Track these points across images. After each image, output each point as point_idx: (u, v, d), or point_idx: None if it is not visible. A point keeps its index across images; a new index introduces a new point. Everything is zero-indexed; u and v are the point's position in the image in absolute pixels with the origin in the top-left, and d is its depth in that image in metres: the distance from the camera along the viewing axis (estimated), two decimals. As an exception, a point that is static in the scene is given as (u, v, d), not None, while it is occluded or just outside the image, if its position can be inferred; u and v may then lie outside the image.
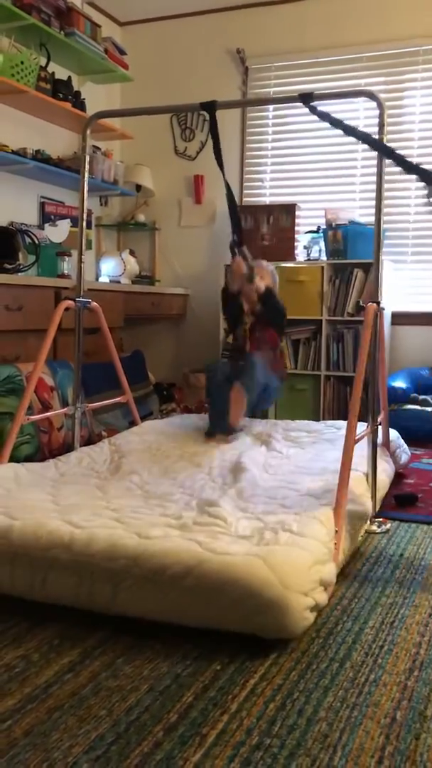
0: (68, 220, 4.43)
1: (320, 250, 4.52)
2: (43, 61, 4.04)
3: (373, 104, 2.44)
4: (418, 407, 3.93)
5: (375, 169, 2.45)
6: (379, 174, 2.42)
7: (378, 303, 2.44)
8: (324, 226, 4.47)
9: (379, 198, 2.44)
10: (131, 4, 4.85)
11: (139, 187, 5.01)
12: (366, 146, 4.33)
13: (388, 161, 2.43)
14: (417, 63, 4.47)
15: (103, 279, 4.70)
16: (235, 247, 3.18)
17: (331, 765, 1.19)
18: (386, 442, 2.96)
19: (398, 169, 2.29)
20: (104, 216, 5.12)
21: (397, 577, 2.03)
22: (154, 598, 1.67)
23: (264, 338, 3.33)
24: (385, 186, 2.46)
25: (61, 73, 4.34)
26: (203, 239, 5.04)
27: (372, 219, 2.52)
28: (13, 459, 2.63)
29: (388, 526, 2.46)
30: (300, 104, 2.50)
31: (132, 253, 4.87)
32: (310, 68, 4.69)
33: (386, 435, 2.96)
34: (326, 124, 2.45)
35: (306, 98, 2.48)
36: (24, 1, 3.80)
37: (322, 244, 4.50)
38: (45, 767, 1.18)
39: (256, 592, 1.58)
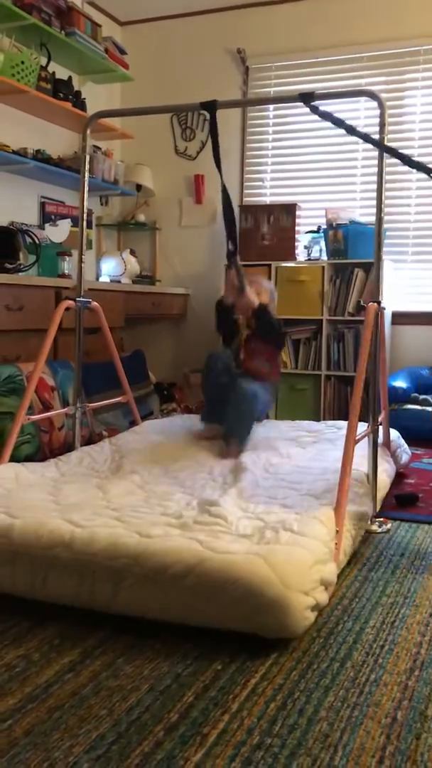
0: (69, 220, 4.43)
1: (321, 250, 4.52)
2: (43, 61, 4.04)
3: (374, 104, 2.44)
4: (418, 407, 3.93)
5: (375, 169, 2.45)
6: (380, 173, 2.42)
7: (379, 302, 2.44)
8: (324, 226, 4.47)
9: (379, 198, 2.44)
10: (132, 4, 4.85)
11: (139, 187, 5.01)
12: (367, 146, 4.37)
13: (388, 161, 2.43)
14: (418, 63, 4.47)
15: (104, 279, 4.70)
16: (230, 257, 3.07)
17: (331, 765, 1.19)
18: (387, 442, 2.96)
19: (399, 168, 2.29)
20: (105, 216, 5.11)
21: (397, 576, 2.03)
22: (155, 597, 1.67)
23: (259, 349, 3.24)
24: (386, 186, 2.45)
25: (61, 72, 4.34)
26: (204, 239, 5.04)
27: (372, 219, 2.52)
28: (14, 459, 2.63)
29: (389, 525, 2.46)
30: (300, 104, 2.49)
31: (132, 252, 4.87)
32: (311, 68, 4.69)
33: (387, 435, 2.96)
34: (327, 124, 2.45)
35: (307, 98, 2.48)
36: (24, 1, 3.80)
37: (322, 243, 4.50)
38: (46, 767, 1.18)
39: (257, 591, 1.58)
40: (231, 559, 1.65)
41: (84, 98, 4.39)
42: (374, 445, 2.48)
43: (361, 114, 4.59)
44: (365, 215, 4.52)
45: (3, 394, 2.98)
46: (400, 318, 4.54)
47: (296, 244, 4.54)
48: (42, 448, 3.07)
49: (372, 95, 2.52)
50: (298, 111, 4.66)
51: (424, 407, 3.92)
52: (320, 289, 4.35)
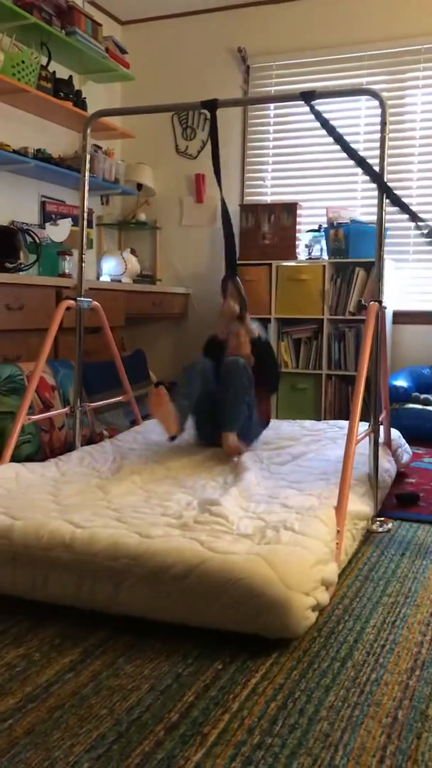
0: (69, 219, 4.43)
1: (322, 249, 4.51)
2: (44, 60, 4.04)
3: (375, 103, 2.44)
4: (419, 406, 3.93)
5: (377, 168, 2.44)
6: (381, 173, 2.42)
7: (379, 302, 2.44)
8: (325, 225, 4.47)
9: (380, 196, 2.44)
10: (132, 3, 4.84)
11: (140, 186, 5.01)
12: (367, 145, 4.36)
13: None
14: (419, 62, 4.47)
15: (105, 278, 4.70)
16: (227, 281, 2.84)
17: (332, 764, 1.19)
18: (388, 442, 2.96)
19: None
20: (105, 215, 5.11)
21: (398, 576, 2.03)
22: (156, 598, 1.67)
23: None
24: (388, 185, 2.45)
25: (62, 72, 4.34)
26: (204, 238, 5.04)
27: (373, 218, 2.51)
28: (15, 458, 2.63)
29: (390, 525, 2.46)
30: (301, 103, 2.49)
31: (133, 252, 4.87)
32: (312, 67, 4.68)
33: (387, 434, 2.96)
34: (327, 123, 2.45)
35: (307, 96, 2.48)
36: (25, 0, 3.80)
37: (323, 242, 4.49)
38: (46, 766, 1.18)
39: (258, 591, 1.58)
40: (232, 559, 1.64)
41: (84, 97, 4.39)
42: (375, 445, 2.48)
43: (362, 113, 4.59)
44: (366, 214, 4.52)
45: (4, 394, 2.98)
46: (401, 317, 4.54)
47: (297, 243, 4.54)
48: (42, 447, 3.07)
49: (373, 94, 2.52)
50: (298, 110, 4.66)
51: (425, 407, 3.92)
52: (321, 288, 4.35)
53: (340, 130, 2.42)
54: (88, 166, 2.95)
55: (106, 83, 4.87)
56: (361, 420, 2.26)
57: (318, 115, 2.42)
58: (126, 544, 1.73)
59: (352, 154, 2.37)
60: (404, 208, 2.34)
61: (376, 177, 2.35)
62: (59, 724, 1.30)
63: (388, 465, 2.81)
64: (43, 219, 4.34)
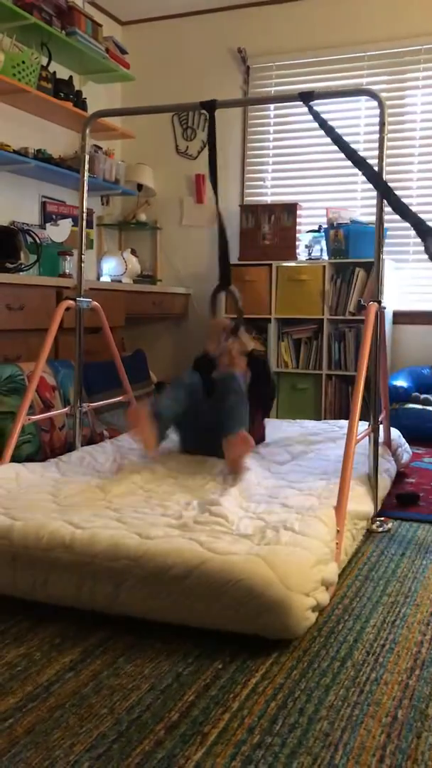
0: (69, 220, 4.43)
1: (322, 249, 4.52)
2: (44, 61, 4.04)
3: (375, 103, 2.44)
4: (419, 406, 3.93)
5: (376, 168, 2.44)
6: (380, 172, 2.42)
7: (379, 302, 2.44)
8: (325, 225, 4.47)
9: (380, 197, 2.44)
10: (132, 4, 4.85)
11: (140, 187, 5.01)
12: (367, 145, 4.36)
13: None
14: (419, 62, 4.47)
15: (105, 278, 4.70)
16: (219, 292, 2.65)
17: (332, 764, 1.19)
18: (387, 441, 2.96)
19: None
20: (106, 215, 5.12)
21: (398, 576, 2.03)
22: (156, 599, 1.67)
23: None
24: (388, 185, 2.45)
25: (62, 72, 4.34)
26: (205, 238, 5.04)
27: (373, 218, 2.51)
28: (15, 458, 2.63)
29: (390, 525, 2.46)
30: (301, 103, 2.49)
31: (133, 252, 4.87)
32: (312, 67, 4.69)
33: (387, 434, 2.96)
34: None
35: (306, 97, 2.48)
36: (25, 1, 3.81)
37: (323, 243, 4.50)
38: (46, 766, 1.18)
39: (258, 592, 1.58)
40: (232, 560, 1.64)
41: (85, 98, 4.39)
42: (375, 445, 2.48)
43: (362, 114, 4.59)
44: (366, 214, 4.52)
45: (4, 394, 2.98)
46: (400, 317, 4.54)
47: (297, 243, 4.54)
48: (43, 447, 3.07)
49: (372, 94, 2.52)
50: (298, 110, 4.66)
51: (424, 406, 3.92)
52: (321, 288, 4.35)
53: (340, 131, 2.42)
54: (87, 166, 2.95)
55: (107, 83, 4.87)
56: (361, 420, 2.26)
57: (316, 116, 2.42)
58: (126, 545, 1.73)
59: (350, 154, 2.37)
60: (404, 213, 2.33)
61: (376, 179, 2.35)
62: (59, 723, 1.30)
63: (388, 465, 2.81)
64: (44, 219, 4.34)
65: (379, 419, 2.56)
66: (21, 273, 3.54)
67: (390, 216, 2.44)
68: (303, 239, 4.60)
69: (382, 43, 4.51)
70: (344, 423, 3.37)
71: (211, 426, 2.52)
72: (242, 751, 1.22)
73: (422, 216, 4.72)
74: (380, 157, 2.40)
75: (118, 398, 3.34)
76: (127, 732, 1.28)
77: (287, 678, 1.47)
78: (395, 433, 3.15)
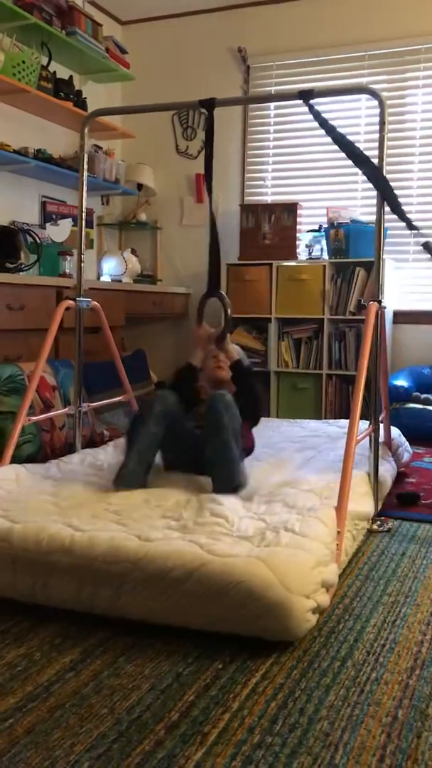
0: (70, 220, 4.43)
1: (322, 249, 4.52)
2: (44, 61, 4.04)
3: (375, 102, 2.44)
4: (419, 406, 3.93)
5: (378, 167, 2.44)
6: (380, 172, 2.41)
7: (379, 302, 2.44)
8: (326, 225, 4.47)
9: (381, 197, 2.43)
10: (132, 3, 4.84)
11: (140, 186, 5.01)
12: (367, 145, 4.36)
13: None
14: (419, 61, 4.47)
15: (105, 278, 4.70)
16: (207, 298, 2.53)
17: (332, 763, 1.19)
18: (388, 441, 2.96)
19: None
20: (106, 215, 5.12)
21: (398, 575, 2.03)
22: (156, 601, 1.67)
23: None
24: (389, 183, 2.45)
25: (62, 72, 4.34)
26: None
27: (374, 217, 2.51)
28: (15, 458, 2.63)
29: (390, 524, 2.46)
30: (301, 102, 2.49)
31: (133, 252, 4.87)
32: (312, 66, 4.68)
33: (388, 434, 2.96)
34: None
35: (306, 95, 2.47)
36: (26, 1, 3.80)
37: (323, 242, 4.49)
38: (47, 766, 1.18)
39: (259, 594, 1.58)
40: (232, 562, 1.64)
41: (85, 98, 4.39)
42: (375, 444, 2.48)
43: (362, 113, 4.59)
44: (366, 214, 4.52)
45: (4, 394, 2.98)
46: (401, 317, 4.54)
47: (297, 243, 4.54)
48: (43, 447, 3.07)
49: (371, 92, 2.52)
50: (299, 110, 4.66)
51: (425, 406, 3.92)
52: (321, 288, 4.35)
53: (340, 131, 2.42)
54: (86, 165, 2.95)
55: (107, 83, 4.87)
56: (361, 419, 2.26)
57: (317, 115, 2.42)
58: (126, 548, 1.73)
59: (351, 153, 2.36)
60: (401, 215, 2.34)
61: (377, 178, 2.35)
62: (60, 723, 1.30)
63: (388, 464, 2.81)
64: (44, 219, 4.34)
65: (380, 419, 2.56)
66: (21, 273, 3.54)
67: (390, 215, 2.44)
68: (303, 239, 4.60)
69: (382, 43, 4.50)
70: (344, 422, 3.36)
71: (195, 443, 2.36)
72: (242, 751, 1.22)
73: (422, 215, 4.73)
74: (380, 157, 2.40)
75: (118, 398, 3.34)
76: (128, 732, 1.27)
77: (287, 678, 1.47)
78: (396, 432, 3.15)
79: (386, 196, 2.35)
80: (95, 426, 3.46)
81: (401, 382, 4.06)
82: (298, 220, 4.53)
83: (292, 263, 4.46)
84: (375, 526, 2.42)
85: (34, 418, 2.87)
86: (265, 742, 1.24)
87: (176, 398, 2.43)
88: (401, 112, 4.53)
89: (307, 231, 4.60)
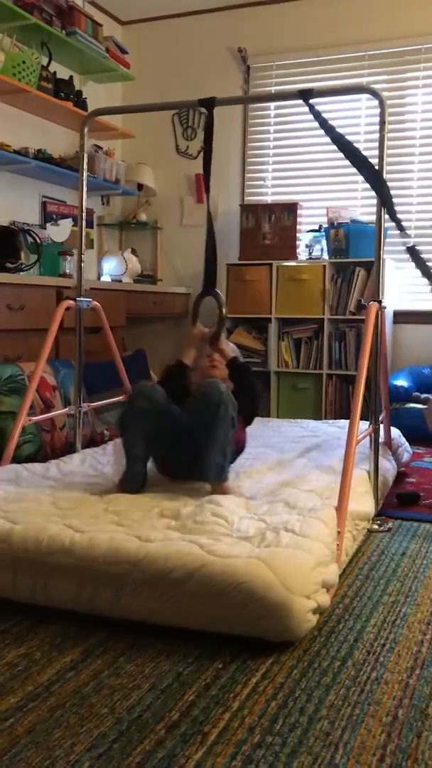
0: (70, 220, 4.43)
1: (322, 249, 4.52)
2: (44, 61, 4.04)
3: (376, 102, 2.44)
4: (419, 406, 3.93)
5: (376, 168, 2.44)
6: (381, 172, 2.41)
7: (380, 301, 2.44)
8: (326, 225, 4.47)
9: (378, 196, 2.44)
10: (132, 3, 4.84)
11: (140, 186, 5.01)
12: (367, 145, 4.36)
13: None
14: (419, 61, 4.47)
15: (105, 278, 4.70)
16: (203, 297, 2.50)
17: (332, 763, 1.19)
18: (388, 441, 2.96)
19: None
20: (106, 215, 5.12)
21: (399, 575, 2.03)
22: (157, 602, 1.67)
23: None
24: (387, 184, 2.45)
25: (62, 72, 4.34)
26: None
27: (374, 217, 2.51)
28: (15, 458, 2.63)
29: (390, 524, 2.46)
30: (301, 102, 2.49)
31: (134, 252, 4.87)
32: (312, 66, 4.68)
33: (388, 434, 2.96)
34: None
35: (305, 95, 2.47)
36: (26, 1, 3.81)
37: (323, 242, 4.49)
38: (47, 765, 1.18)
39: (259, 595, 1.58)
40: (232, 563, 1.64)
41: (85, 98, 4.39)
42: (376, 444, 2.48)
43: (362, 113, 4.59)
44: (366, 214, 4.52)
45: (4, 394, 2.98)
46: (401, 317, 4.54)
47: (297, 243, 4.54)
48: (44, 447, 3.08)
49: (371, 92, 2.52)
50: (299, 110, 4.65)
51: (425, 406, 3.92)
52: (321, 288, 4.35)
53: (340, 130, 2.42)
54: (86, 165, 2.95)
55: (107, 83, 4.87)
56: (361, 419, 2.26)
57: (317, 115, 2.42)
58: (126, 549, 1.73)
59: (350, 154, 2.36)
60: (392, 215, 2.35)
61: (374, 180, 2.35)
62: (60, 723, 1.30)
63: (388, 464, 2.81)
64: (44, 219, 4.34)
65: (380, 419, 2.56)
66: (21, 273, 3.54)
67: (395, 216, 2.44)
68: (303, 239, 4.60)
69: (382, 43, 4.51)
70: (345, 422, 3.36)
71: (186, 443, 2.29)
72: (243, 751, 1.22)
73: (422, 215, 4.74)
74: (380, 157, 2.40)
75: (119, 398, 3.34)
76: (128, 731, 1.28)
77: (288, 677, 1.47)
78: (396, 432, 3.15)
79: (382, 196, 2.35)
80: (95, 426, 3.46)
81: (401, 382, 4.06)
82: (298, 220, 4.53)
83: (292, 263, 4.46)
84: (375, 526, 2.42)
85: (35, 418, 2.87)
86: (265, 742, 1.24)
87: (159, 390, 2.33)
88: (401, 112, 4.53)
89: (307, 231, 4.60)
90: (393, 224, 2.37)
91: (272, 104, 4.87)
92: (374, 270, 2.52)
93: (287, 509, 2.06)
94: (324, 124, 2.42)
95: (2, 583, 1.82)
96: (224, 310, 2.60)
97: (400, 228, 2.38)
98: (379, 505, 2.52)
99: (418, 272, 4.64)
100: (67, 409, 3.06)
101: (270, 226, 4.55)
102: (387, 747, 1.23)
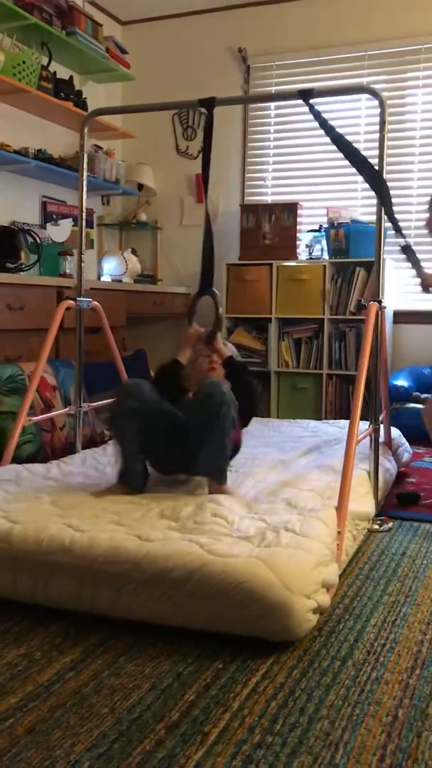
0: (70, 220, 4.43)
1: (322, 249, 4.52)
2: (44, 61, 4.04)
3: (376, 102, 2.44)
4: (420, 406, 3.93)
5: (376, 168, 2.44)
6: (381, 172, 2.42)
7: (380, 301, 2.44)
8: (326, 225, 4.47)
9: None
10: (133, 3, 4.84)
11: (140, 186, 5.01)
12: (367, 145, 4.37)
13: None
14: (419, 61, 4.46)
15: (105, 278, 4.70)
16: (200, 296, 2.49)
17: (332, 763, 1.19)
18: (388, 441, 2.96)
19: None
20: (106, 215, 5.12)
21: (399, 575, 2.03)
22: (157, 602, 1.67)
23: None
24: (387, 184, 2.45)
25: (62, 72, 4.34)
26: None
27: (374, 217, 2.51)
28: (16, 458, 2.63)
29: (390, 524, 2.46)
30: (301, 102, 2.49)
31: (134, 252, 4.87)
32: (312, 67, 4.68)
33: (388, 434, 2.96)
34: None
35: (305, 95, 2.47)
36: (26, 1, 3.81)
37: (324, 242, 4.49)
38: (47, 765, 1.18)
39: (260, 594, 1.58)
40: (232, 562, 1.64)
41: (85, 98, 4.39)
42: (376, 444, 2.48)
43: (363, 113, 4.58)
44: (366, 214, 4.51)
45: (5, 394, 2.98)
46: (401, 317, 4.54)
47: (298, 243, 4.54)
48: (44, 447, 3.08)
49: (371, 92, 2.52)
50: (299, 110, 4.65)
51: (423, 406, 3.92)
52: (321, 288, 4.35)
53: (340, 130, 2.42)
54: (86, 165, 2.95)
55: (107, 83, 4.87)
56: (361, 419, 2.26)
57: (317, 115, 2.42)
58: (126, 548, 1.73)
59: (350, 154, 2.36)
60: (390, 216, 2.35)
61: (373, 180, 2.35)
62: (60, 723, 1.30)
63: (388, 464, 2.81)
64: (44, 219, 4.34)
65: (380, 419, 2.56)
66: (21, 273, 3.54)
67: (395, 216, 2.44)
68: (303, 239, 4.59)
69: (382, 43, 4.50)
70: (345, 422, 3.36)
71: (179, 438, 2.26)
72: (243, 751, 1.22)
73: (422, 215, 4.72)
74: (380, 157, 2.40)
75: (119, 398, 3.34)
76: (128, 731, 1.28)
77: (288, 677, 1.47)
78: (396, 432, 3.15)
79: (381, 196, 2.35)
80: (96, 426, 3.46)
81: (401, 382, 4.06)
82: (299, 220, 4.53)
83: (293, 263, 4.46)
84: (375, 526, 2.42)
85: (35, 418, 2.87)
86: (265, 742, 1.24)
87: (146, 386, 2.28)
88: (401, 112, 4.53)
89: (308, 231, 4.60)
90: (400, 224, 2.36)
91: (272, 104, 4.86)
92: (374, 270, 2.52)
93: (287, 509, 2.06)
94: (324, 124, 2.42)
95: (2, 583, 1.82)
96: (221, 310, 2.59)
97: (397, 229, 2.38)
98: (379, 505, 2.52)
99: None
100: (67, 409, 3.06)
101: (270, 226, 4.55)
102: (387, 747, 1.23)
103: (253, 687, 1.43)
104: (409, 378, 4.18)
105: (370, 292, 4.16)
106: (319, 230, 4.55)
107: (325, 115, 2.44)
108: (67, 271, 3.93)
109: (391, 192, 2.43)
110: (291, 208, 4.52)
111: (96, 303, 3.00)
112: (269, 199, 4.89)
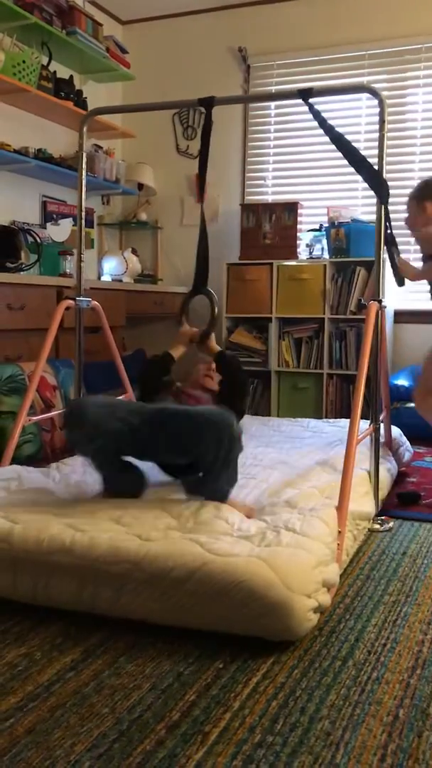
0: (70, 219, 4.43)
1: (323, 248, 4.51)
2: (44, 60, 4.04)
3: (375, 102, 2.44)
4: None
5: (376, 167, 2.44)
6: (381, 171, 2.41)
7: (380, 301, 2.44)
8: (326, 224, 4.47)
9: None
10: (133, 3, 4.84)
11: (141, 186, 5.01)
12: (368, 144, 4.36)
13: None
14: (419, 61, 4.46)
15: (105, 278, 4.70)
16: (193, 296, 2.48)
17: (333, 763, 1.19)
18: (388, 441, 2.96)
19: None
20: (106, 215, 5.11)
21: (399, 575, 2.03)
22: (157, 601, 1.67)
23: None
24: (387, 183, 2.45)
25: (62, 71, 4.34)
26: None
27: (374, 217, 2.51)
28: (16, 458, 2.63)
29: (391, 524, 2.46)
30: (301, 101, 2.49)
31: (134, 251, 4.86)
32: (312, 66, 4.68)
33: (388, 433, 2.96)
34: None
35: (305, 94, 2.47)
36: (26, 0, 3.81)
37: (324, 242, 4.49)
38: (47, 765, 1.18)
39: (260, 594, 1.58)
40: (233, 561, 1.64)
41: (85, 97, 4.38)
42: (376, 444, 2.48)
43: (363, 112, 4.58)
44: (367, 213, 4.51)
45: (5, 394, 2.98)
46: (401, 316, 4.53)
47: (298, 242, 4.54)
48: (44, 447, 3.08)
49: (371, 91, 2.52)
50: (299, 109, 4.64)
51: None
52: (322, 287, 4.35)
53: (340, 130, 2.42)
54: (85, 164, 2.95)
55: (107, 83, 4.87)
56: (361, 419, 2.26)
57: (316, 115, 2.42)
58: (126, 548, 1.73)
59: (349, 153, 2.36)
60: (388, 219, 2.35)
61: (375, 183, 2.35)
62: (60, 723, 1.30)
63: (389, 464, 2.81)
64: (44, 219, 4.34)
65: (380, 418, 2.55)
66: (21, 273, 3.53)
67: (391, 215, 2.44)
68: (304, 238, 4.59)
69: (382, 42, 4.50)
70: (345, 422, 3.36)
71: (156, 432, 2.14)
72: (243, 751, 1.22)
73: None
74: (380, 156, 2.40)
75: (119, 398, 3.34)
76: (128, 731, 1.27)
77: (288, 677, 1.47)
78: (396, 431, 3.15)
79: (380, 195, 2.35)
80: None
81: (402, 381, 4.05)
82: (299, 219, 4.52)
83: (293, 263, 4.46)
84: (376, 526, 2.42)
85: (35, 418, 2.87)
86: (266, 742, 1.24)
87: (90, 405, 2.11)
88: (401, 111, 4.52)
89: (308, 230, 4.60)
90: (400, 224, 2.37)
91: (272, 104, 4.86)
92: (375, 269, 2.51)
93: (288, 508, 2.06)
94: (323, 123, 2.42)
95: (2, 583, 1.82)
96: (216, 309, 2.59)
97: (388, 230, 2.39)
98: (379, 505, 2.52)
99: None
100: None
101: (270, 226, 4.54)
102: (388, 747, 1.23)
103: (253, 687, 1.43)
104: (409, 377, 4.17)
105: (370, 291, 4.15)
106: (319, 230, 4.54)
107: (325, 115, 2.44)
108: (67, 270, 3.93)
109: (392, 192, 2.43)
110: (291, 208, 4.52)
111: (96, 303, 3.00)
112: (269, 198, 4.88)
